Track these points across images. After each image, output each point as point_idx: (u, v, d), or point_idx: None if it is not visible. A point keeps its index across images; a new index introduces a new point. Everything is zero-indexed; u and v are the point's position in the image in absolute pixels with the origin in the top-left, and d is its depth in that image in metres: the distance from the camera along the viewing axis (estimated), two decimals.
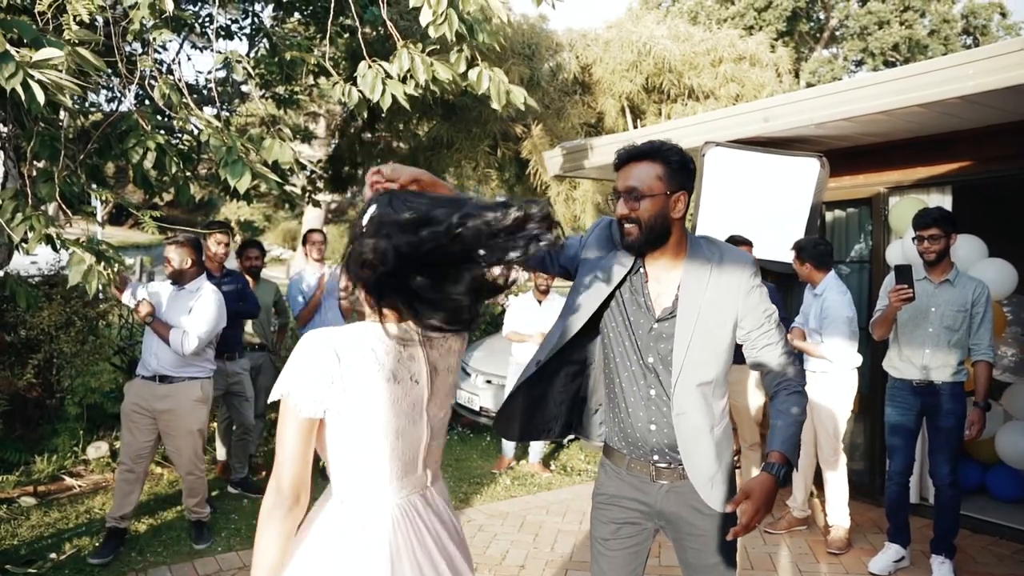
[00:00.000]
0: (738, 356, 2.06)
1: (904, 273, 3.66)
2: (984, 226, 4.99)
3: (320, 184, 8.99)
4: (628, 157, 1.98)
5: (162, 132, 3.42)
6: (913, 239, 3.86)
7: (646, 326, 2.04)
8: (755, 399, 4.85)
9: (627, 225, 1.96)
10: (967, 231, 4.79)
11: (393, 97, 3.39)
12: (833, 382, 4.26)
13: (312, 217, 17.56)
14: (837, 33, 25.43)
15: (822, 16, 25.66)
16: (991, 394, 4.92)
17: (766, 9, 23.03)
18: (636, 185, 1.94)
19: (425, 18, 3.16)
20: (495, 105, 3.35)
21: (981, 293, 3.77)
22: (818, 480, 4.57)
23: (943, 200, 4.73)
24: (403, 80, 3.30)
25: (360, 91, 3.43)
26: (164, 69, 5.04)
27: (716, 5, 23.58)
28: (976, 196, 5.19)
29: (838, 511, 4.30)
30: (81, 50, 2.63)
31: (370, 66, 3.40)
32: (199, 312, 4.03)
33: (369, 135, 9.77)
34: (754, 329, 2.02)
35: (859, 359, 4.28)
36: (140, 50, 4.26)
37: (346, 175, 9.94)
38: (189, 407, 4.04)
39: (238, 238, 20.77)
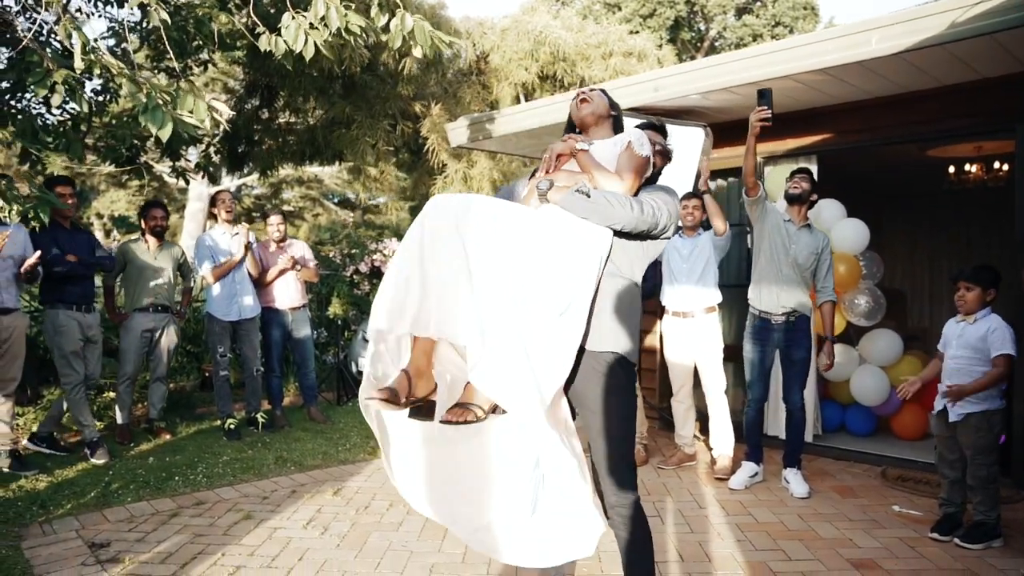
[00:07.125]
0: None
1: (765, 96, 3.86)
2: (846, 192, 5.66)
3: (217, 160, 8.80)
4: None
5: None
6: (787, 179, 4.45)
7: None
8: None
9: None
10: (831, 196, 5.40)
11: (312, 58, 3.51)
12: (710, 322, 4.75)
13: (195, 210, 16.81)
14: (716, 44, 26.96)
15: (702, 27, 27.13)
16: (850, 340, 5.55)
17: (651, 16, 24.16)
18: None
19: None
20: (417, 53, 3.54)
21: (827, 243, 4.42)
22: (703, 427, 4.99)
23: (810, 168, 5.30)
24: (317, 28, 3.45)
25: (285, 41, 3.55)
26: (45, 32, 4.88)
27: (604, 10, 24.50)
28: (839, 166, 5.85)
29: (723, 441, 4.74)
30: None
31: (293, 17, 3.53)
32: None
33: (267, 113, 9.66)
34: None
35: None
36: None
37: (242, 153, 9.77)
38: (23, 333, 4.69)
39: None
